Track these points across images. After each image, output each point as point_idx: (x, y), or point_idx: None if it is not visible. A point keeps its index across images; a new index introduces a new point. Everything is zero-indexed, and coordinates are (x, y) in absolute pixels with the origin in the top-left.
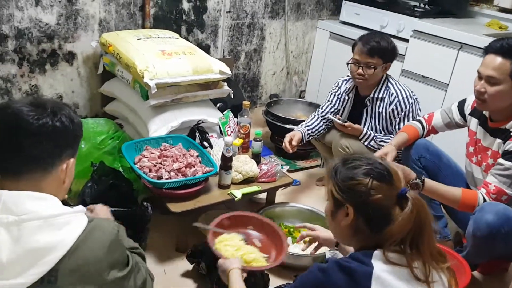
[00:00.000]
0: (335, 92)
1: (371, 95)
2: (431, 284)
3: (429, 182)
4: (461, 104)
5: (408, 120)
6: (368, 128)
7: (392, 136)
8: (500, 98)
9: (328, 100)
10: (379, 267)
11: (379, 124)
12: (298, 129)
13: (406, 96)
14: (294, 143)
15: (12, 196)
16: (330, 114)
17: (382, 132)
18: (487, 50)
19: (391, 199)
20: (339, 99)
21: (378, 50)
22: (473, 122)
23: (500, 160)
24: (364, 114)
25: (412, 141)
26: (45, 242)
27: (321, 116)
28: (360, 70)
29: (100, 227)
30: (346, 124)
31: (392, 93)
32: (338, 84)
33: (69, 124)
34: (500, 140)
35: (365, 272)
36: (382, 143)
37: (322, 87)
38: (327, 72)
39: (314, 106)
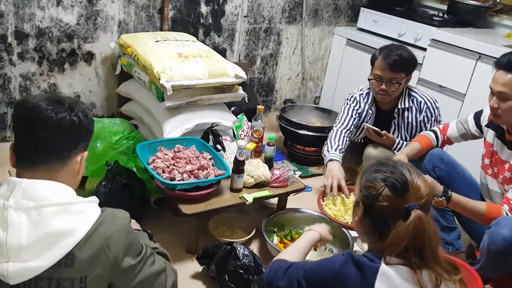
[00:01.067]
0: (353, 107)
1: (399, 106)
2: None
3: (455, 197)
4: (477, 115)
5: (439, 124)
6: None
7: None
8: None
9: (348, 114)
10: (386, 267)
11: (408, 134)
12: (334, 157)
13: (433, 101)
14: (343, 184)
15: (32, 184)
16: (353, 129)
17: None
18: (496, 65)
19: (397, 210)
20: (358, 115)
21: (401, 64)
22: (490, 134)
23: None
24: (393, 126)
25: (425, 151)
26: (63, 226)
27: (346, 130)
28: (384, 86)
29: (114, 215)
30: (382, 133)
31: (420, 101)
32: (355, 98)
33: (84, 119)
34: None
35: (372, 267)
36: None
37: (337, 94)
38: (342, 79)
39: (329, 113)
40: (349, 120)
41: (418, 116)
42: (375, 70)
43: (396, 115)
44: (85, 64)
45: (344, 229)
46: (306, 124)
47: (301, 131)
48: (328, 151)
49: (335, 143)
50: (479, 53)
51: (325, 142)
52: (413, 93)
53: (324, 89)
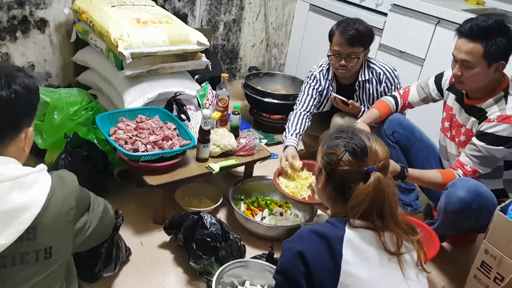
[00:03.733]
0: (313, 86)
1: (359, 79)
2: (399, 256)
3: (411, 173)
4: (438, 79)
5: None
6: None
7: None
8: (476, 79)
9: (308, 94)
10: (352, 232)
11: (371, 104)
12: (290, 143)
13: (392, 71)
14: (297, 163)
15: None
16: (314, 108)
17: None
18: (458, 33)
19: (357, 173)
20: (319, 94)
21: (358, 38)
22: (450, 97)
23: (474, 141)
24: (355, 99)
25: (384, 117)
26: (19, 202)
27: (306, 112)
28: (343, 62)
29: (63, 179)
30: (349, 102)
31: (379, 72)
32: (315, 76)
33: (24, 93)
34: (474, 119)
35: (337, 235)
36: None
37: (301, 60)
38: (306, 45)
39: (293, 80)
40: (309, 100)
41: (378, 87)
42: (333, 46)
43: (357, 88)
44: (38, 31)
45: None
46: (271, 92)
47: (266, 99)
48: (286, 136)
49: (293, 128)
50: (438, 17)
51: (286, 125)
52: (371, 65)
53: (288, 56)
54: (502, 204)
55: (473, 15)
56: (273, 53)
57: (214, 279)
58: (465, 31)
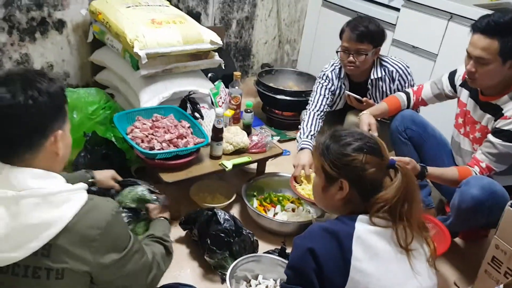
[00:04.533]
0: (325, 86)
1: (372, 77)
2: (410, 251)
3: (430, 172)
4: (451, 75)
5: (413, 86)
6: None
7: None
8: (490, 76)
9: (320, 94)
10: (362, 228)
11: None
12: (305, 145)
13: (405, 68)
14: (310, 170)
15: (13, 171)
16: (327, 107)
17: None
18: (474, 29)
19: (382, 170)
20: (332, 93)
21: (367, 35)
22: (464, 94)
23: (491, 138)
24: (369, 97)
25: (392, 112)
26: (43, 219)
27: (319, 112)
28: (351, 58)
29: (98, 207)
30: (363, 99)
31: (392, 70)
32: (327, 76)
33: (44, 98)
34: (490, 116)
35: (347, 232)
36: None
37: (314, 57)
38: (319, 41)
39: (306, 76)
40: (322, 100)
41: (391, 85)
42: (343, 42)
43: (370, 86)
44: (56, 32)
45: None
46: (283, 89)
47: (278, 96)
48: (301, 137)
49: (307, 129)
50: (450, 13)
51: (300, 126)
52: (384, 63)
53: (301, 52)
54: None
55: (486, 11)
56: (286, 50)
57: (228, 273)
58: (482, 27)
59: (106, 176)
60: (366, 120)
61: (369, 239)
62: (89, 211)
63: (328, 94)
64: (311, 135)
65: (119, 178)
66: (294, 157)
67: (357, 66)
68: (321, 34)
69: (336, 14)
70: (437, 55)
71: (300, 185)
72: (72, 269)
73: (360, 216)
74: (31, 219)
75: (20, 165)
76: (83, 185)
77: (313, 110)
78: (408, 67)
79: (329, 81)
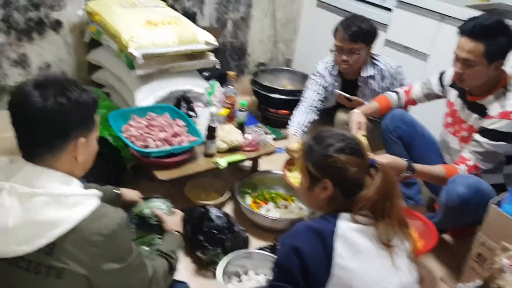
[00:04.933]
0: (318, 82)
1: (363, 75)
2: (392, 247)
3: (418, 169)
4: (441, 76)
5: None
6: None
7: None
8: (476, 77)
9: (312, 90)
10: (345, 226)
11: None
12: (295, 133)
13: (396, 68)
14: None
15: (34, 170)
16: (319, 103)
17: None
18: (461, 32)
19: (363, 169)
20: (324, 89)
21: (360, 34)
22: (453, 94)
23: (476, 137)
24: (359, 95)
25: (383, 111)
26: (51, 217)
27: (310, 106)
28: (344, 57)
29: (107, 215)
30: (352, 98)
31: (383, 69)
32: (319, 72)
33: (71, 107)
34: (476, 115)
35: (329, 230)
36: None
37: (310, 56)
38: (315, 41)
39: (301, 75)
40: (314, 95)
41: (382, 84)
42: (337, 41)
43: (361, 84)
44: (54, 32)
45: None
46: (278, 88)
47: (273, 95)
48: (289, 124)
49: (296, 118)
50: (442, 14)
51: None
52: (375, 61)
53: (296, 51)
54: (497, 197)
55: (476, 12)
56: (281, 49)
57: (219, 269)
58: (468, 30)
59: (132, 192)
60: (356, 119)
61: (351, 237)
62: (97, 217)
63: (320, 90)
64: (298, 122)
65: (142, 197)
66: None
67: (350, 65)
68: (316, 34)
69: (331, 14)
70: (428, 55)
71: (291, 172)
72: (71, 271)
73: (343, 214)
74: (39, 216)
75: (41, 164)
76: (96, 192)
77: (303, 105)
78: (399, 67)
79: (321, 77)
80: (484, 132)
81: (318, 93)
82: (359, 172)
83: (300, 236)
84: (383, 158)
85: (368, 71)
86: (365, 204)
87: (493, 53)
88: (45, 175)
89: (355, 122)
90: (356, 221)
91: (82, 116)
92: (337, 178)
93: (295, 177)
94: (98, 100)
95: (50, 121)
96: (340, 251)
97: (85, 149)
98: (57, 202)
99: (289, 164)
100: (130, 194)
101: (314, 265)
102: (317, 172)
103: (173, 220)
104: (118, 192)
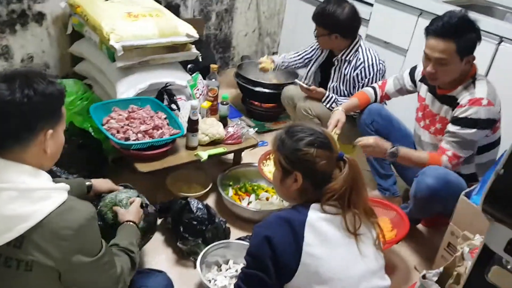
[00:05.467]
0: (305, 49)
1: (339, 56)
2: (358, 236)
3: (402, 150)
4: (412, 71)
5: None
6: (333, 87)
7: None
8: (450, 74)
9: (304, 50)
10: (314, 216)
11: (343, 86)
12: (274, 58)
13: (372, 64)
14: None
15: (2, 164)
16: (296, 60)
17: (345, 93)
18: (429, 32)
19: (332, 162)
20: (306, 57)
21: (319, 17)
22: (423, 88)
23: (449, 127)
24: (332, 73)
25: (362, 106)
26: (16, 212)
27: (302, 56)
28: (316, 37)
29: (75, 208)
30: (311, 88)
31: (360, 58)
32: (312, 44)
33: (39, 99)
34: (447, 107)
35: (300, 220)
36: None
37: (293, 49)
38: (299, 34)
39: (286, 69)
40: (295, 55)
41: (352, 72)
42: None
43: (336, 62)
44: (36, 24)
45: None
46: (262, 82)
47: (257, 88)
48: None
49: (283, 55)
50: (420, 9)
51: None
52: (359, 49)
53: (281, 45)
54: (467, 190)
55: (454, 7)
56: (266, 42)
57: (198, 259)
58: (437, 30)
59: (103, 180)
60: (336, 117)
61: (319, 226)
62: (65, 211)
63: (302, 53)
64: (284, 59)
65: (116, 187)
66: None
67: (322, 44)
68: (301, 27)
69: (313, 8)
70: (407, 50)
71: (264, 166)
72: (40, 263)
73: (313, 205)
74: (7, 210)
75: (10, 157)
76: (64, 186)
77: (297, 52)
78: (377, 65)
79: (310, 47)
80: (456, 121)
81: (299, 54)
82: (327, 164)
83: (273, 227)
84: (369, 138)
85: (348, 55)
86: (333, 195)
87: (464, 49)
88: (12, 169)
89: (334, 119)
90: (324, 211)
91: (49, 108)
92: (307, 170)
93: (270, 171)
94: (64, 92)
95: (18, 114)
96: (309, 239)
97: (53, 141)
98: (24, 196)
99: (266, 157)
100: (101, 185)
101: (285, 255)
102: (288, 165)
103: (127, 211)
104: (89, 183)
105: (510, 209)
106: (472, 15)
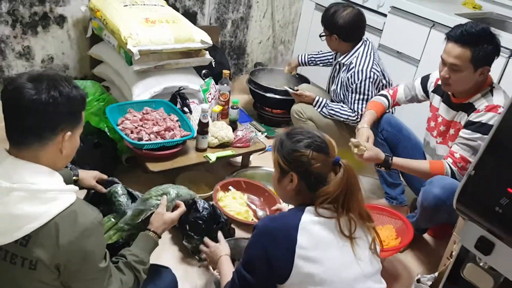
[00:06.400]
0: (320, 52)
1: (340, 59)
2: (353, 239)
3: (396, 162)
4: (424, 81)
5: (360, 93)
6: (333, 90)
7: (343, 105)
8: (462, 82)
9: (330, 52)
10: (308, 219)
11: (340, 89)
12: (298, 56)
13: (362, 69)
14: (292, 67)
15: (15, 164)
16: (318, 57)
17: (341, 97)
18: (448, 37)
19: (327, 166)
20: (323, 57)
21: (323, 19)
22: (436, 99)
23: (463, 130)
24: (334, 76)
25: (379, 116)
26: (25, 211)
27: (319, 57)
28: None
29: (82, 212)
30: (298, 93)
31: (352, 62)
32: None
33: (63, 101)
34: (463, 113)
35: (294, 223)
36: (332, 111)
37: None
38: (312, 43)
39: (298, 76)
40: (324, 53)
41: (345, 74)
42: None
43: (337, 66)
44: (57, 27)
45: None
46: (273, 88)
47: (268, 94)
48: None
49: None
50: (433, 21)
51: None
52: (356, 54)
53: (295, 53)
54: None
55: (466, 20)
56: (280, 50)
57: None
58: (456, 36)
59: (89, 176)
60: (365, 133)
61: (311, 229)
62: (72, 213)
63: (321, 53)
64: (310, 54)
65: (104, 177)
66: None
67: (327, 44)
68: (314, 36)
69: None
70: (419, 60)
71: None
72: (43, 262)
73: (308, 208)
74: (16, 210)
75: (27, 154)
76: (73, 187)
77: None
78: (369, 72)
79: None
80: (470, 124)
81: (321, 53)
82: (322, 167)
83: (267, 227)
84: (369, 149)
85: (345, 59)
86: (326, 198)
87: (480, 59)
88: (25, 169)
89: (364, 135)
90: (318, 214)
91: (72, 111)
92: (302, 171)
93: (225, 206)
94: (86, 97)
95: (43, 113)
96: (301, 242)
97: (70, 143)
98: (34, 197)
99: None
100: (87, 178)
101: (278, 257)
102: (285, 165)
103: (162, 217)
104: (75, 178)
105: (479, 208)
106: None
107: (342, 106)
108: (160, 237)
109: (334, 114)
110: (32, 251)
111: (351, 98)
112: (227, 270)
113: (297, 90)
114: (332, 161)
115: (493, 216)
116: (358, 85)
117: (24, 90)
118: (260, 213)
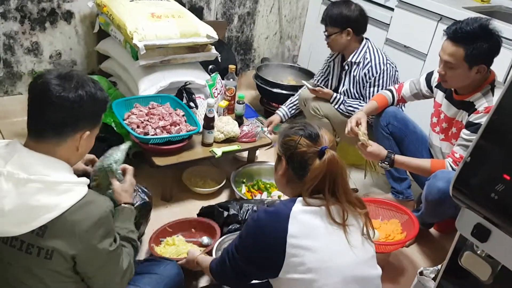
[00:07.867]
0: (327, 60)
1: (349, 59)
2: (346, 226)
3: (398, 158)
4: (428, 77)
5: (379, 86)
6: (344, 91)
7: (362, 100)
8: (458, 79)
9: (321, 69)
10: (298, 209)
11: (353, 88)
12: (278, 112)
13: (379, 62)
14: (270, 128)
15: (30, 156)
16: (320, 82)
17: (356, 95)
18: (445, 34)
19: (313, 153)
20: (328, 66)
21: (327, 18)
22: (439, 95)
23: (463, 131)
24: (343, 77)
25: (381, 109)
26: (42, 202)
27: (320, 77)
28: (326, 39)
29: (94, 202)
30: (316, 88)
31: (367, 58)
32: (330, 53)
33: (89, 101)
34: (464, 112)
35: (285, 214)
36: (350, 108)
37: (314, 53)
38: (320, 38)
39: (304, 72)
40: (319, 74)
41: (360, 72)
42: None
43: (346, 67)
44: (65, 23)
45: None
46: (280, 83)
47: (274, 90)
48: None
49: (289, 100)
50: (440, 14)
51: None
52: (367, 50)
53: (302, 48)
54: None
55: (473, 13)
56: (287, 45)
57: (214, 247)
58: (450, 33)
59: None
60: (356, 116)
61: (303, 218)
62: (86, 204)
63: (325, 68)
64: (290, 104)
65: (91, 157)
66: None
67: (330, 46)
68: (321, 31)
69: None
70: (426, 54)
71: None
72: (60, 252)
73: (299, 198)
74: (33, 201)
75: (44, 147)
76: (85, 180)
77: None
78: (385, 64)
79: (330, 55)
80: (470, 126)
81: (322, 71)
82: (306, 152)
83: (260, 219)
84: (371, 145)
85: (357, 57)
86: (311, 184)
87: (474, 57)
88: (40, 162)
89: (354, 118)
90: (308, 204)
91: (94, 111)
92: (289, 155)
93: (162, 251)
94: (109, 100)
95: (67, 110)
96: (292, 231)
97: (86, 142)
98: (50, 189)
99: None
100: (78, 164)
101: (269, 248)
102: (279, 150)
103: (122, 188)
104: None
105: (476, 194)
106: (495, 25)
107: (360, 102)
108: (133, 204)
109: (353, 111)
110: (49, 241)
111: (369, 92)
112: (209, 260)
113: (316, 86)
114: (318, 149)
115: (489, 202)
116: (377, 78)
117: (52, 86)
118: (206, 240)
